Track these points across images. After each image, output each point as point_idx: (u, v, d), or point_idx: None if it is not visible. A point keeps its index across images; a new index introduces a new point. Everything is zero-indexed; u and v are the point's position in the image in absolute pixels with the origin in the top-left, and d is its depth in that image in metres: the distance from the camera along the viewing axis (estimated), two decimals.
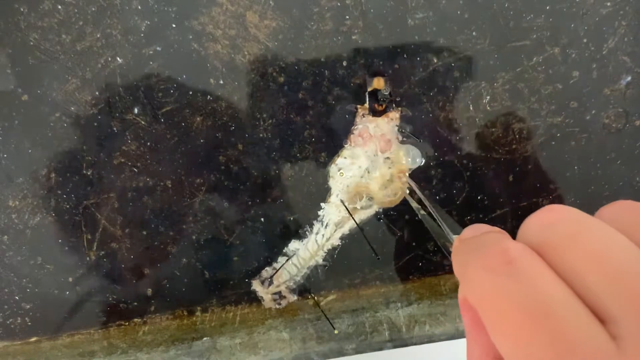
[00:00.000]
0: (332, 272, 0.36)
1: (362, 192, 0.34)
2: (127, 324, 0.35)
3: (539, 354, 0.14)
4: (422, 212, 0.30)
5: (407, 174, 0.34)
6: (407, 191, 0.33)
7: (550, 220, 0.17)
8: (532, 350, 0.14)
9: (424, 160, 0.34)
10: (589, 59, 0.34)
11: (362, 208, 0.35)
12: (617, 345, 0.14)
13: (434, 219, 0.28)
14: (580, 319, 0.14)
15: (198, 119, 0.32)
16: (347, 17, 0.32)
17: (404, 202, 0.35)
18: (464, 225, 0.36)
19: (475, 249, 0.18)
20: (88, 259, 0.34)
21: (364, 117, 0.33)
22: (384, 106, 0.33)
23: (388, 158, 0.34)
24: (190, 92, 0.32)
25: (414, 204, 0.31)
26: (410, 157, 0.34)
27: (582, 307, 0.15)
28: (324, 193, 0.35)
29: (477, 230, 0.20)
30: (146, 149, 0.32)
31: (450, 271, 0.37)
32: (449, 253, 0.24)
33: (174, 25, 0.31)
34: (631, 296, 0.14)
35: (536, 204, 0.36)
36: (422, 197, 0.30)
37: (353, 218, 0.35)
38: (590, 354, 0.14)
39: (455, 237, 0.21)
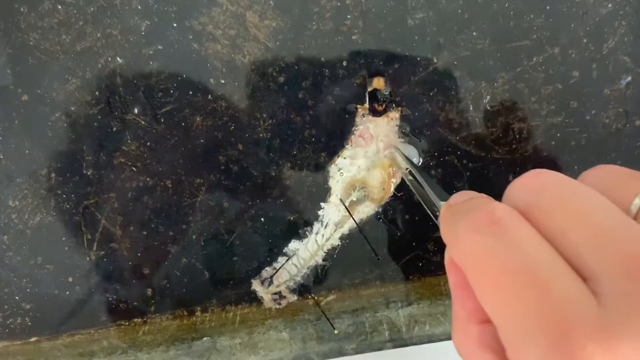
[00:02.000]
0: (332, 272, 0.36)
1: (355, 184, 0.34)
2: (127, 324, 0.35)
3: (523, 310, 0.15)
4: (410, 177, 0.31)
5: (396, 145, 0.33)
6: (399, 159, 0.33)
7: (537, 184, 0.18)
8: (516, 307, 0.15)
9: (421, 160, 0.34)
10: (589, 59, 0.34)
11: (357, 200, 0.35)
12: (598, 301, 0.14)
13: (422, 186, 0.28)
14: (563, 277, 0.15)
15: (198, 119, 0.32)
16: (347, 17, 0.32)
17: (403, 201, 0.35)
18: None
19: (462, 211, 0.18)
20: (88, 259, 0.34)
21: (364, 117, 0.33)
22: (384, 106, 0.33)
23: (385, 157, 0.34)
24: (190, 92, 0.32)
25: (402, 170, 0.32)
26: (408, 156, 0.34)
27: (565, 265, 0.15)
28: (324, 193, 0.35)
29: (464, 196, 0.20)
30: (146, 149, 0.32)
31: None
32: (437, 218, 0.24)
33: (174, 25, 0.31)
34: (611, 254, 0.15)
35: None
36: (408, 164, 0.31)
37: (353, 218, 0.35)
38: (572, 310, 0.14)
39: (442, 203, 0.21)
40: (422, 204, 0.28)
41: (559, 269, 0.15)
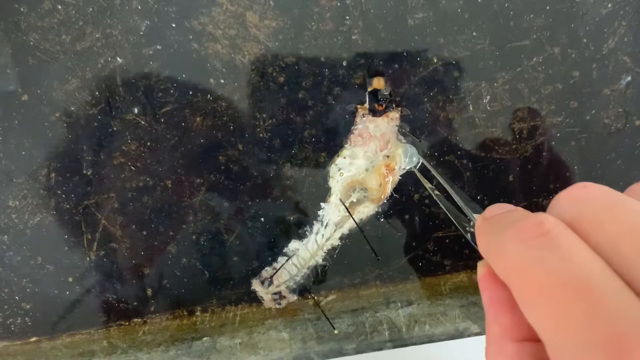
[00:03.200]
0: (332, 272, 0.36)
1: (355, 185, 0.34)
2: (127, 324, 0.35)
3: (576, 326, 0.14)
4: (437, 192, 0.30)
5: (416, 162, 0.33)
6: (417, 170, 0.33)
7: (584, 196, 0.17)
8: (569, 322, 0.14)
9: (421, 160, 0.34)
10: (589, 59, 0.34)
11: (357, 201, 0.35)
12: None
13: (449, 199, 0.28)
14: (618, 291, 0.14)
15: (198, 119, 0.32)
16: (347, 17, 0.32)
17: (403, 201, 0.35)
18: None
19: (506, 223, 0.18)
20: (88, 259, 0.34)
21: (364, 117, 0.33)
22: (384, 106, 0.33)
23: (387, 156, 0.34)
24: (190, 92, 0.32)
25: (428, 185, 0.31)
26: (407, 157, 0.34)
27: (618, 279, 0.15)
28: (324, 193, 0.35)
29: (501, 208, 0.20)
30: (146, 149, 0.32)
31: (450, 271, 0.37)
32: (466, 232, 0.24)
33: (174, 25, 0.31)
34: None
35: (536, 203, 0.36)
36: (438, 176, 0.30)
37: (353, 218, 0.35)
38: (629, 327, 0.13)
39: (477, 215, 0.21)
40: (451, 218, 0.27)
41: (612, 283, 0.15)
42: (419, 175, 0.33)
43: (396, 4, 0.32)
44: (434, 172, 0.31)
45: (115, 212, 0.33)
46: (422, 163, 0.33)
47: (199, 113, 0.32)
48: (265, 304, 0.36)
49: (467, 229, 0.24)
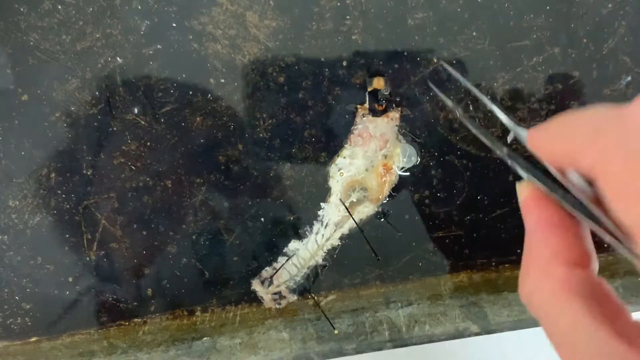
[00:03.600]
0: (332, 272, 0.36)
1: (355, 185, 0.34)
2: (127, 324, 0.35)
3: None
4: (465, 117, 0.27)
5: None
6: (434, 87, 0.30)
7: None
8: None
9: (419, 160, 0.34)
10: (589, 59, 0.34)
11: (357, 200, 0.35)
12: None
13: (473, 118, 0.26)
14: None
15: (198, 119, 0.32)
16: (347, 17, 0.32)
17: (403, 201, 0.35)
18: (461, 221, 0.36)
19: (599, 114, 0.16)
20: (88, 259, 0.34)
21: (364, 117, 0.33)
22: (384, 106, 0.33)
23: (385, 156, 0.34)
24: (190, 92, 0.32)
25: (448, 101, 0.28)
26: (406, 156, 0.34)
27: None
28: (324, 193, 0.35)
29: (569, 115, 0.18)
30: (146, 149, 0.32)
31: (450, 271, 0.37)
32: (499, 149, 0.22)
33: (174, 25, 0.31)
34: None
35: None
36: (471, 88, 0.27)
37: (353, 218, 0.35)
38: None
39: (524, 129, 0.20)
40: (481, 136, 0.25)
41: None
42: (436, 90, 0.31)
43: (396, 4, 0.32)
44: (465, 83, 0.29)
45: (115, 212, 0.33)
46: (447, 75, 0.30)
47: (199, 113, 0.32)
48: (265, 304, 0.36)
49: (499, 152, 0.22)
